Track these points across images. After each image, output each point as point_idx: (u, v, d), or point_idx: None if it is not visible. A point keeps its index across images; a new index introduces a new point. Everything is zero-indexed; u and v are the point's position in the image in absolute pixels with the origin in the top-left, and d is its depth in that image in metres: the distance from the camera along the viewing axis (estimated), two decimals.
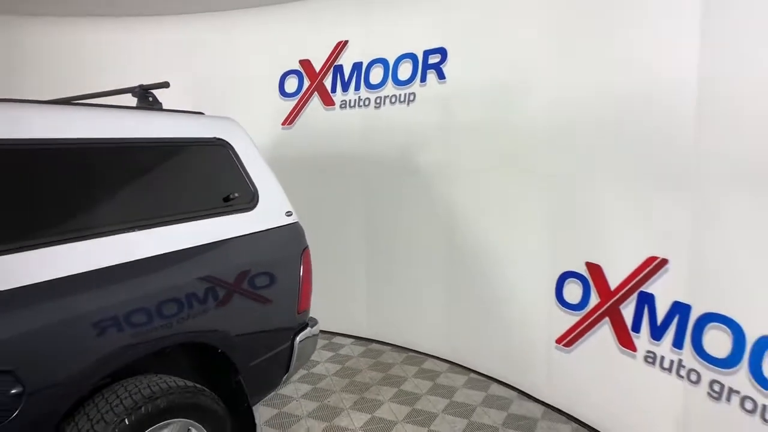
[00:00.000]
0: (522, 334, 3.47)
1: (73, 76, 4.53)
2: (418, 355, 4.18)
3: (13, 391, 1.54)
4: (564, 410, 3.25)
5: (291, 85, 4.60)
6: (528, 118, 3.25)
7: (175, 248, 2.11)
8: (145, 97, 2.38)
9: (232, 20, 4.66)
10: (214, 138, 2.49)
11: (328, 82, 4.43)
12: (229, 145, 2.54)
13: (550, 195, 3.16)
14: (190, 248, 2.17)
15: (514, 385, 3.59)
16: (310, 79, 4.51)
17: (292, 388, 3.64)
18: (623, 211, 2.75)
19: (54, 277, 1.70)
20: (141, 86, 2.37)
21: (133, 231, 1.98)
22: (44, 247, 1.71)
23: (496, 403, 3.41)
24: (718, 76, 2.24)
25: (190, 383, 2.11)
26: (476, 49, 3.60)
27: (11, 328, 1.56)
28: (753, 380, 2.13)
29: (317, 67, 4.47)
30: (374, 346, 4.40)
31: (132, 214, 2.04)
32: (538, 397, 3.42)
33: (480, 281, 3.71)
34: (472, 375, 3.83)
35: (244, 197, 2.52)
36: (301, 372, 3.87)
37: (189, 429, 2.14)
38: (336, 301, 4.47)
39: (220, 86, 4.67)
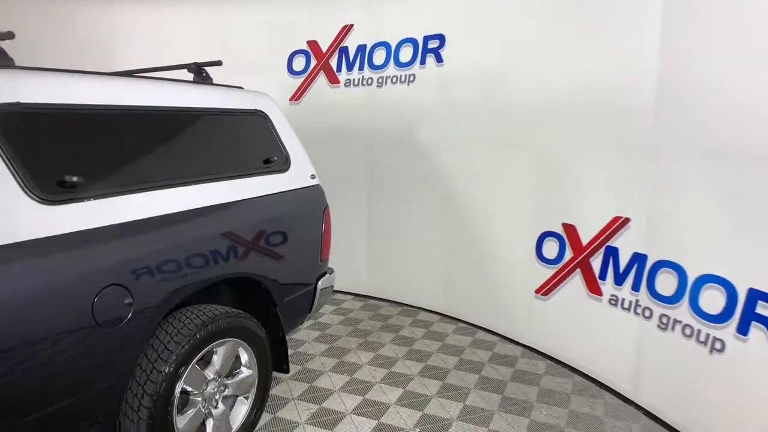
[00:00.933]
0: (506, 287, 4.02)
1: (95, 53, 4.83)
2: (413, 309, 4.71)
3: (126, 301, 1.99)
4: (541, 350, 3.82)
5: (299, 63, 4.99)
6: (515, 99, 3.75)
7: (230, 200, 2.56)
8: (200, 73, 2.79)
9: (244, 1, 5.00)
10: (255, 110, 2.92)
11: (333, 62, 4.84)
12: (267, 116, 2.97)
13: (533, 165, 3.68)
14: (242, 200, 2.62)
15: (498, 331, 4.15)
16: (316, 59, 4.91)
17: (304, 333, 4.13)
18: (594, 179, 3.28)
19: (159, 214, 2.14)
20: (196, 63, 2.78)
21: (201, 184, 2.42)
22: (157, 190, 2.16)
23: (483, 345, 3.97)
24: (673, 67, 2.76)
25: (241, 311, 2.58)
26: (471, 37, 4.06)
27: (128, 252, 2.01)
28: (691, 311, 2.70)
29: (324, 47, 4.87)
30: (372, 301, 4.91)
31: (199, 170, 2.47)
32: (518, 341, 3.98)
33: (470, 241, 4.23)
34: (461, 324, 4.38)
35: (280, 161, 2.97)
36: (309, 322, 4.35)
37: (239, 349, 2.62)
38: (338, 262, 4.93)
39: (232, 64, 5.00)
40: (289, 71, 5.02)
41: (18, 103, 1.81)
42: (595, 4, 3.21)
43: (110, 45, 5.03)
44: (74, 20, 5.07)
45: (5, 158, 1.72)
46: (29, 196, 1.75)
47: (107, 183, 2.03)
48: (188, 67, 2.80)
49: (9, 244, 1.66)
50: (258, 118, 2.93)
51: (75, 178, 1.87)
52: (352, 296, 5.04)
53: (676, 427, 2.85)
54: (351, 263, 4.92)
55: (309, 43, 4.92)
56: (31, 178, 1.77)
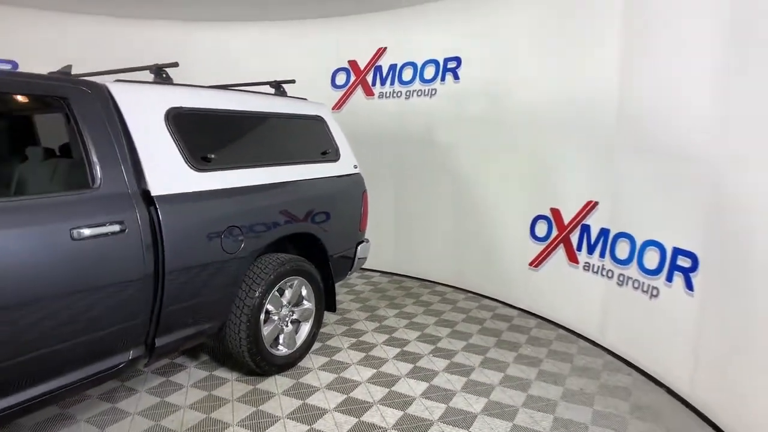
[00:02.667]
0: (505, 262, 4.96)
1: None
2: (430, 283, 5.68)
3: (240, 238, 3.01)
4: (532, 311, 4.74)
5: (340, 79, 6.05)
6: (514, 109, 4.70)
7: (301, 178, 3.58)
8: (279, 88, 3.84)
9: (295, 28, 6.07)
10: (317, 115, 3.95)
11: (369, 78, 5.88)
12: (324, 119, 4.00)
13: (527, 162, 4.63)
14: (309, 179, 3.64)
15: (499, 299, 5.08)
16: (355, 75, 5.95)
17: (341, 297, 5.12)
18: (573, 173, 4.22)
19: (259, 183, 3.17)
20: (276, 81, 3.83)
21: (283, 165, 3.45)
22: (234, 169, 3.18)
23: (486, 308, 4.91)
24: (630, 87, 3.69)
25: (304, 259, 3.58)
26: (482, 60, 5.04)
27: (240, 205, 3.04)
28: (638, 269, 3.61)
29: (362, 66, 5.91)
30: (396, 277, 5.89)
31: (271, 156, 3.49)
32: (515, 305, 4.91)
33: (477, 225, 5.18)
34: (470, 294, 5.32)
35: (332, 153, 3.98)
36: (343, 288, 5.35)
37: (302, 287, 3.61)
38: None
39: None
40: (332, 85, 6.08)
41: (180, 107, 2.87)
42: (570, 44, 4.16)
43: (190, 62, 6.12)
44: (161, 42, 6.20)
45: (176, 142, 2.76)
46: (188, 166, 2.79)
47: (228, 161, 3.07)
48: (270, 83, 3.85)
49: (179, 194, 2.69)
50: (318, 121, 3.96)
51: (211, 156, 2.91)
52: (380, 273, 6.02)
53: (629, 360, 3.75)
54: (379, 245, 5.89)
55: (350, 62, 5.97)
56: (188, 154, 2.81)
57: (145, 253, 2.49)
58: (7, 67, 5.61)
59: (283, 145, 3.59)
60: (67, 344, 2.24)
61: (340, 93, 6.04)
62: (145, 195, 2.56)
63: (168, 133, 2.76)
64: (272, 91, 3.91)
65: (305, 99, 4.03)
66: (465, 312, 4.78)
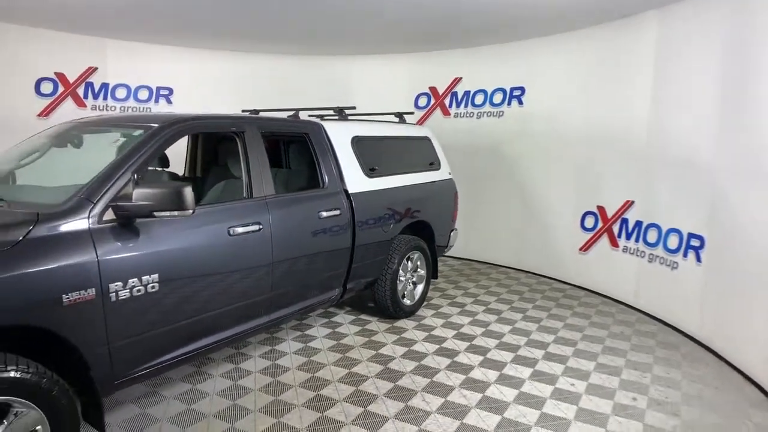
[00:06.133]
0: (559, 248, 6.36)
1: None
2: (495, 266, 7.12)
3: (390, 224, 4.51)
4: (581, 285, 6.13)
5: (422, 101, 7.54)
6: (567, 128, 6.11)
7: (418, 182, 5.07)
8: (401, 117, 5.36)
9: (385, 61, 7.59)
10: (424, 136, 5.45)
11: (446, 101, 7.35)
12: (429, 139, 5.50)
13: (578, 170, 6.03)
14: (423, 183, 5.13)
15: (554, 277, 6.49)
16: (435, 99, 7.44)
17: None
18: (615, 178, 5.61)
19: (390, 186, 4.67)
20: (399, 113, 5.34)
21: (409, 174, 4.95)
22: (386, 176, 4.67)
23: (544, 283, 6.32)
24: (657, 115, 5.06)
25: (420, 238, 5.07)
26: (541, 89, 6.45)
27: (391, 199, 4.54)
28: (664, 249, 4.98)
29: (440, 91, 7.39)
30: (466, 261, 7.35)
31: (403, 167, 4.98)
32: (567, 281, 6.31)
33: (536, 220, 6.60)
34: (529, 274, 6.74)
35: (436, 164, 5.47)
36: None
37: (419, 259, 5.10)
38: None
39: (377, 101, 7.61)
40: (415, 106, 7.57)
41: (358, 135, 4.40)
42: (614, 81, 5.54)
43: (345, 89, 7.68)
44: (319, 73, 7.79)
45: (357, 158, 4.29)
46: (363, 174, 4.32)
47: (382, 170, 4.59)
48: (394, 113, 5.36)
49: (361, 192, 4.21)
50: (426, 140, 5.46)
51: (375, 167, 4.43)
52: (452, 258, 7.49)
53: (656, 316, 5.12)
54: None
55: (430, 88, 7.46)
56: (364, 165, 4.34)
57: (350, 230, 4.02)
58: (165, 92, 7.30)
59: (408, 158, 5.10)
60: (313, 280, 3.79)
61: (421, 113, 7.53)
62: (345, 193, 4.09)
63: (353, 153, 4.29)
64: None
65: (410, 123, 5.53)
66: (528, 286, 6.21)
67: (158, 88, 7.16)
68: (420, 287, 5.15)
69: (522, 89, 6.67)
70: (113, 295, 2.44)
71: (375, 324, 4.80)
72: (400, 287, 4.84)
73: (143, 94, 7.09)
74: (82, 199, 2.45)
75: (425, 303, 5.38)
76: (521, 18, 5.50)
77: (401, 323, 4.84)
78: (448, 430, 3.05)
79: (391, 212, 4.57)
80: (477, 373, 3.82)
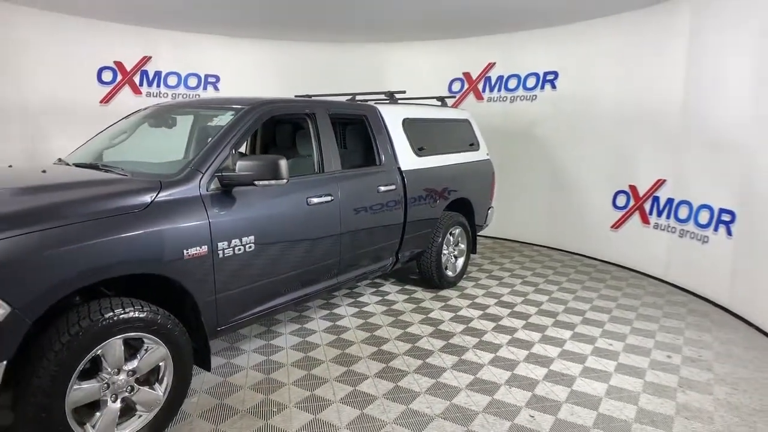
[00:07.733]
0: (592, 225, 6.64)
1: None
2: (527, 244, 7.43)
3: (437, 199, 4.86)
4: (611, 261, 6.42)
5: (456, 86, 7.83)
6: (600, 111, 6.36)
7: (460, 162, 5.40)
8: (443, 101, 5.67)
9: (420, 48, 7.88)
10: (465, 119, 5.76)
11: (480, 86, 7.63)
12: (469, 122, 5.81)
13: (610, 150, 6.29)
14: (464, 162, 5.45)
15: (585, 254, 6.78)
16: (468, 84, 7.72)
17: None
18: (647, 158, 5.86)
19: (436, 165, 5.01)
20: (441, 97, 5.66)
21: (452, 153, 5.28)
22: (432, 155, 5.01)
23: (576, 260, 6.62)
24: (690, 96, 5.30)
25: (462, 216, 5.41)
26: (575, 73, 6.70)
27: (440, 176, 4.89)
28: (695, 224, 5.25)
29: (474, 76, 7.66)
30: (498, 240, 7.67)
31: (447, 147, 5.31)
32: (599, 258, 6.60)
33: (568, 198, 6.88)
34: (561, 251, 7.04)
35: (475, 145, 5.78)
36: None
37: (461, 234, 5.45)
38: None
39: (417, 87, 7.92)
40: (449, 91, 7.86)
41: (407, 117, 4.74)
42: (646, 64, 5.77)
43: (381, 75, 8.02)
44: (356, 59, 8.14)
45: (407, 138, 4.63)
46: (413, 153, 4.66)
47: (429, 150, 4.92)
48: (437, 97, 5.68)
49: (412, 170, 4.56)
50: (466, 123, 5.77)
51: (423, 147, 4.77)
52: (485, 237, 7.82)
53: (686, 288, 5.40)
54: None
55: (464, 73, 7.74)
56: (414, 145, 4.68)
57: (403, 204, 4.38)
58: (213, 79, 7.70)
59: (451, 139, 5.42)
60: (372, 248, 4.16)
61: (455, 97, 7.81)
62: (398, 170, 4.44)
63: (403, 133, 4.63)
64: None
65: (450, 107, 5.84)
66: (560, 262, 6.52)
67: (206, 76, 7.56)
68: (461, 260, 5.50)
69: (555, 73, 6.92)
70: (220, 252, 2.84)
71: (421, 293, 5.17)
72: (443, 259, 5.19)
73: (192, 82, 7.50)
74: (193, 170, 2.85)
75: (465, 276, 5.73)
76: (556, 4, 5.76)
77: (445, 293, 5.20)
78: (501, 379, 3.41)
79: (438, 188, 4.92)
80: (521, 334, 4.17)
